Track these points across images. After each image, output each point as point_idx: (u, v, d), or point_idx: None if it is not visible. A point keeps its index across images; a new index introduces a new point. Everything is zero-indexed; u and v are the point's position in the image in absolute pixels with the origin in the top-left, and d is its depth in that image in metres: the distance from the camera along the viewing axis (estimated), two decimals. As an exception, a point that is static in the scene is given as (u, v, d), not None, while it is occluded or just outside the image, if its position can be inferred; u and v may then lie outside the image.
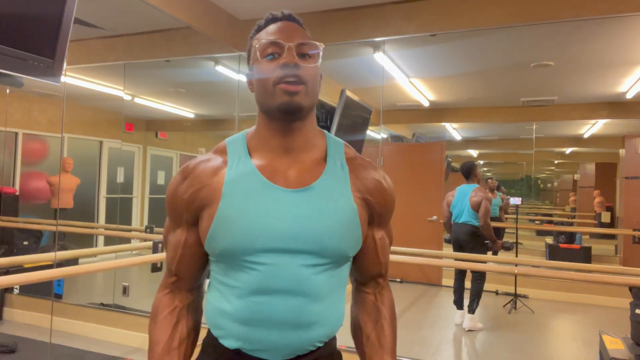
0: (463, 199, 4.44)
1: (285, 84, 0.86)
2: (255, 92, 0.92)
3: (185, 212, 0.92)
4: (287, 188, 0.88)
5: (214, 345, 0.92)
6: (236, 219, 0.86)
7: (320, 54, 0.92)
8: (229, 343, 0.89)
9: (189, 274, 0.96)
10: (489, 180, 6.26)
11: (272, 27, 0.92)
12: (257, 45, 0.90)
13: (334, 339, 0.97)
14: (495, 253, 5.88)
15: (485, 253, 4.49)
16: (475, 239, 4.36)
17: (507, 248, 4.47)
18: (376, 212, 0.95)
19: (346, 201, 0.90)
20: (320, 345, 0.91)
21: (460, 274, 4.53)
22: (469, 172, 4.49)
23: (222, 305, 0.89)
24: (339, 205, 0.89)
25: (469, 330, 4.35)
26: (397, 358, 3.18)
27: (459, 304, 4.50)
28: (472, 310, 4.35)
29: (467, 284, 4.51)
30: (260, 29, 0.95)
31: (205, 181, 0.90)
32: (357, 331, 1.01)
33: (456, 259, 4.11)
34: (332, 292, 0.90)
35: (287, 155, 0.91)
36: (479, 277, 4.37)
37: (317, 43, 0.91)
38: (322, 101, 2.93)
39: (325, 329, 0.90)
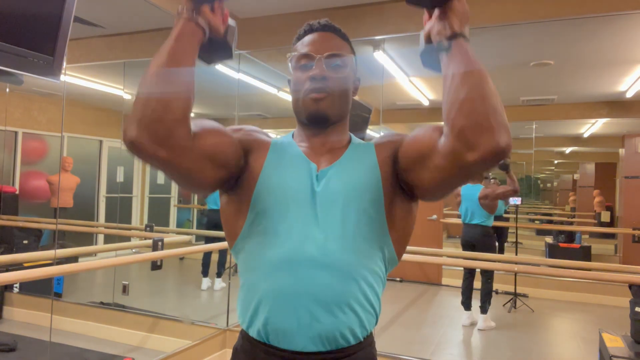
0: (471, 199, 4.45)
1: (312, 95, 0.92)
2: (291, 100, 1.00)
3: (244, 139, 0.96)
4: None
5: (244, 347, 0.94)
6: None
7: (352, 62, 0.97)
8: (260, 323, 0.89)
9: (206, 148, 0.87)
10: (491, 181, 6.25)
11: (307, 38, 0.98)
12: (290, 57, 0.98)
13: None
14: (502, 250, 5.88)
15: (495, 252, 4.48)
16: (487, 239, 4.37)
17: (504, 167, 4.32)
18: (396, 150, 0.94)
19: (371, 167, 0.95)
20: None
21: (469, 275, 4.49)
22: None
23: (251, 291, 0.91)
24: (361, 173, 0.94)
25: (480, 329, 4.33)
26: (396, 357, 3.17)
27: (467, 305, 4.46)
28: (485, 310, 4.33)
29: (476, 284, 4.48)
30: (299, 37, 1.01)
31: (260, 137, 1.00)
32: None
33: (453, 257, 4.11)
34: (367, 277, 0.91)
35: (322, 146, 0.98)
36: (490, 277, 4.37)
37: (347, 54, 0.96)
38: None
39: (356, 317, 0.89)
